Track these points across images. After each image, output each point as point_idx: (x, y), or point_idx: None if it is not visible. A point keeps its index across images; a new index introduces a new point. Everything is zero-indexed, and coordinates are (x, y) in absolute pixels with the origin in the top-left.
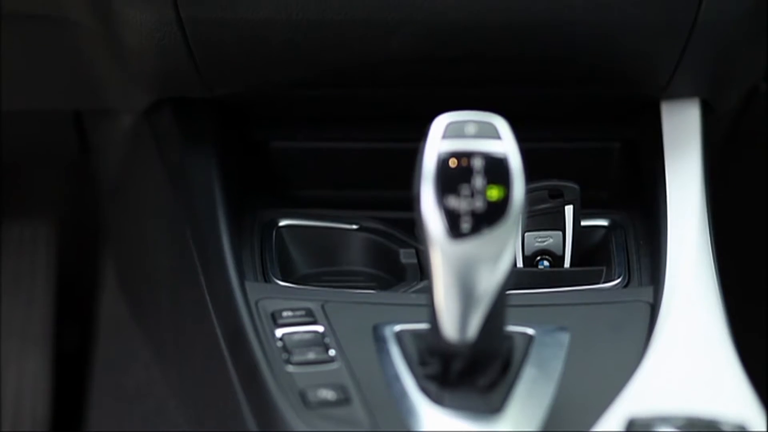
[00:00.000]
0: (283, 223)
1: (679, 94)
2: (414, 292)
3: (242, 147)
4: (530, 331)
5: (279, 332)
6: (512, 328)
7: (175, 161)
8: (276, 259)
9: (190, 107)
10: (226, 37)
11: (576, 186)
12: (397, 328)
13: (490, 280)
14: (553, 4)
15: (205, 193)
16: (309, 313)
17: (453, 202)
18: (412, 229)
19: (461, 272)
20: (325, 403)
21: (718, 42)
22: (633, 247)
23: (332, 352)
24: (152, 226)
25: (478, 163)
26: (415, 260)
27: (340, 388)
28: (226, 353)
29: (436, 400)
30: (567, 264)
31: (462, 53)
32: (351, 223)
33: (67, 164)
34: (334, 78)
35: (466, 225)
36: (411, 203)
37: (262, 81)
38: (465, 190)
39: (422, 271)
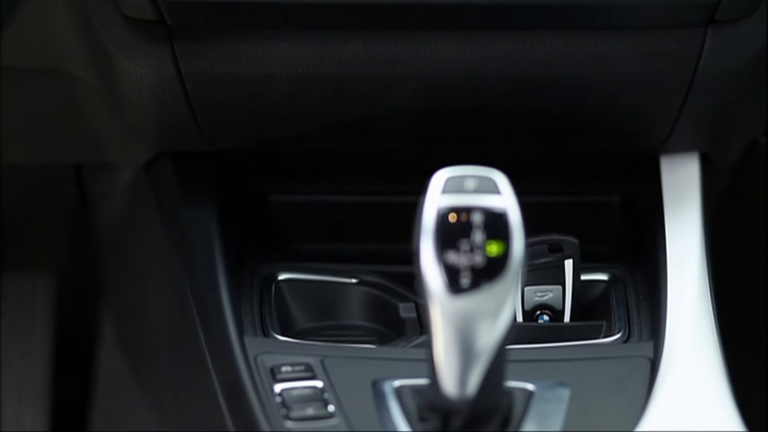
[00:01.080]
0: (282, 276)
1: (678, 147)
2: (413, 346)
3: (242, 200)
4: (530, 386)
5: (278, 387)
6: (512, 383)
7: (175, 215)
8: (275, 314)
9: (189, 161)
10: (226, 92)
11: (575, 240)
12: (397, 383)
13: (489, 335)
14: (554, 58)
15: (204, 246)
16: (308, 368)
17: (452, 257)
18: (412, 283)
19: (461, 327)
20: None
21: (718, 96)
22: (633, 302)
23: (331, 408)
24: (151, 280)
25: (477, 218)
26: (414, 314)
27: None
28: (224, 408)
29: None
30: (567, 318)
31: (462, 107)
32: (350, 277)
33: (66, 217)
34: (334, 132)
35: (465, 280)
36: (411, 257)
37: (262, 135)
38: (464, 245)
39: (422, 325)
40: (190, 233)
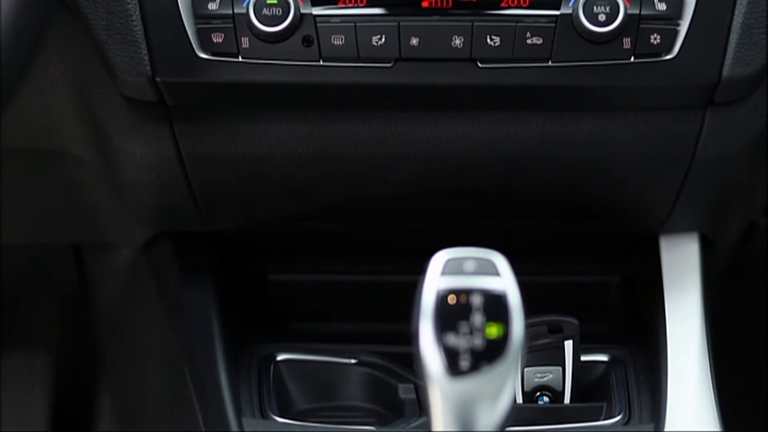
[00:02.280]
0: (281, 357)
1: (677, 228)
2: (413, 428)
3: (241, 280)
4: None
5: None
6: None
7: (173, 295)
8: (273, 394)
9: (188, 241)
10: (225, 172)
11: (575, 321)
12: None
13: (489, 417)
14: (553, 139)
15: (203, 327)
16: None
17: (452, 339)
18: (411, 364)
19: (460, 410)
20: None
21: (717, 177)
22: (633, 383)
23: None
24: (149, 360)
25: (477, 300)
26: (413, 395)
27: None
28: None
29: None
30: (567, 400)
31: (461, 188)
32: (349, 358)
33: (65, 296)
34: (333, 212)
35: (465, 363)
36: (410, 337)
37: (261, 215)
38: (464, 327)
39: (421, 406)
40: (188, 313)
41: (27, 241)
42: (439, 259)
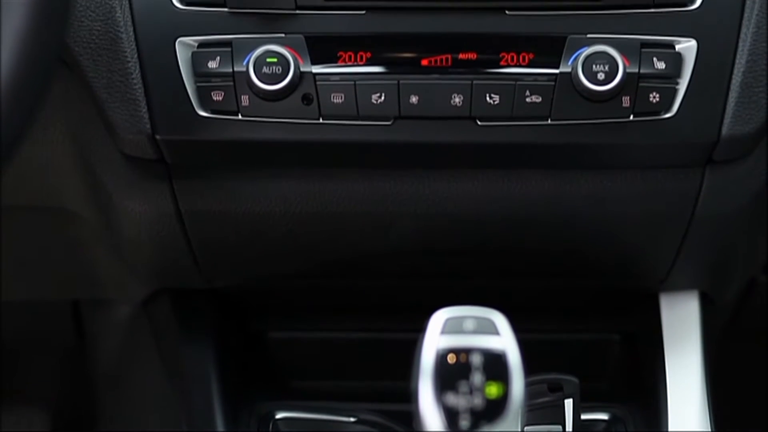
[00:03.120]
0: (280, 415)
1: (678, 286)
2: None
3: (240, 337)
4: None
5: None
6: None
7: (172, 353)
8: None
9: (187, 298)
10: (225, 230)
11: (575, 380)
12: None
13: None
14: (553, 198)
15: (202, 384)
16: None
17: (451, 399)
18: (411, 422)
19: None
20: None
21: (717, 236)
22: None
23: None
24: (148, 416)
25: (476, 360)
26: None
27: None
28: None
29: None
30: None
31: (461, 246)
32: (349, 416)
33: (64, 352)
34: (332, 269)
35: (464, 422)
36: (410, 395)
37: (261, 272)
38: (464, 386)
39: None
40: (187, 371)
41: (26, 298)
42: (439, 317)
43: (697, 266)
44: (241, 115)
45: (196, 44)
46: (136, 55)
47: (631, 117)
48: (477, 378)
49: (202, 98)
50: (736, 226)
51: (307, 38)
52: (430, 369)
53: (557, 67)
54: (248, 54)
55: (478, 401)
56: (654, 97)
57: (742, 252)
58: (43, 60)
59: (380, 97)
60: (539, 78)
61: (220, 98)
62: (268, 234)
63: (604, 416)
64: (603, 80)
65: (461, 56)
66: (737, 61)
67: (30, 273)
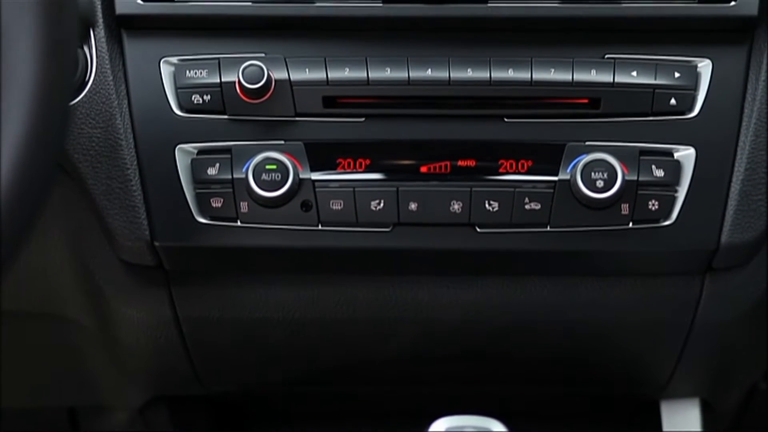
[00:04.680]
0: None
1: (678, 393)
2: None
3: None
4: None
5: None
6: None
7: None
8: None
9: (185, 405)
10: (223, 336)
11: None
12: None
13: None
14: (552, 305)
15: None
16: None
17: None
18: None
19: None
20: None
21: (717, 343)
22: None
23: None
24: None
25: None
26: None
27: None
28: None
29: None
30: None
31: (460, 352)
32: None
33: None
34: (331, 376)
35: None
36: None
37: (259, 378)
38: None
39: None
40: None
41: (24, 405)
42: (439, 427)
43: (698, 373)
44: (240, 222)
45: (195, 151)
46: (135, 162)
47: (630, 224)
48: None
49: (202, 205)
50: (736, 334)
51: (307, 145)
52: None
53: (556, 175)
54: (248, 161)
55: None
56: (653, 205)
57: (742, 359)
58: (43, 167)
59: (379, 203)
60: (538, 185)
61: (219, 205)
62: (267, 340)
63: None
64: (602, 188)
65: (460, 163)
66: (736, 169)
67: (30, 380)
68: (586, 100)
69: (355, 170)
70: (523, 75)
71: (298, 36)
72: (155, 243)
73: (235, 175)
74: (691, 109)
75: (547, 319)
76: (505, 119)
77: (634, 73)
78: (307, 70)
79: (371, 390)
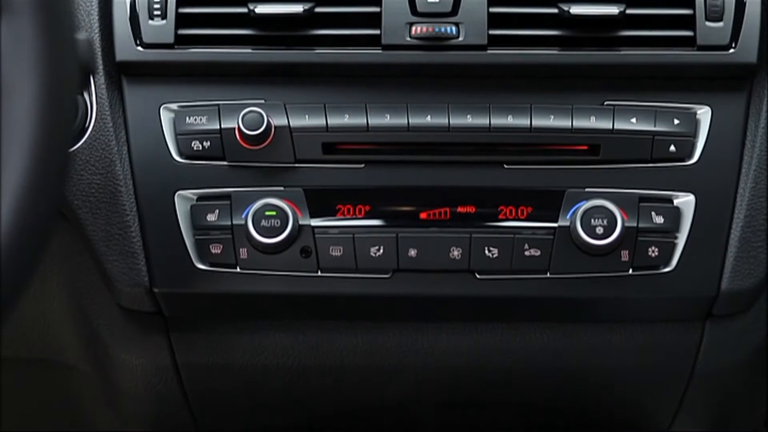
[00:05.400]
0: None
1: None
2: None
3: None
4: None
5: None
6: None
7: None
8: None
9: None
10: (221, 382)
11: None
12: None
13: None
14: (552, 351)
15: None
16: None
17: None
18: None
19: None
20: None
21: (718, 389)
22: None
23: None
24: None
25: None
26: None
27: None
28: None
29: None
30: None
31: (460, 399)
32: None
33: None
34: (330, 422)
35: None
36: None
37: (257, 424)
38: None
39: None
40: None
41: None
42: None
43: (699, 418)
44: (240, 268)
45: (195, 197)
46: (135, 208)
47: (630, 271)
48: None
49: (201, 251)
50: (737, 380)
51: (306, 191)
52: None
53: (556, 221)
54: (247, 207)
55: None
56: (653, 252)
57: (743, 405)
58: (43, 214)
59: (379, 250)
60: (538, 232)
61: (219, 251)
62: (265, 386)
63: None
64: (601, 234)
65: (460, 209)
66: (736, 215)
67: (29, 425)
68: (585, 147)
69: (354, 216)
70: (523, 122)
71: (298, 82)
72: (154, 289)
73: (234, 222)
74: (690, 156)
75: (546, 365)
76: (505, 166)
77: (634, 120)
78: (306, 116)
79: None
